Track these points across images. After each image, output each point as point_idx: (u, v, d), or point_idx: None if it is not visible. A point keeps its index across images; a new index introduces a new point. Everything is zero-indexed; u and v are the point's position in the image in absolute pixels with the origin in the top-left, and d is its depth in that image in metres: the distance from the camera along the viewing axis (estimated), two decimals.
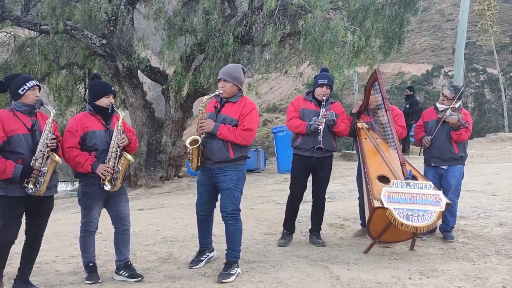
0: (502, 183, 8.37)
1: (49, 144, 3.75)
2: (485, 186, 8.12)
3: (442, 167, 5.24)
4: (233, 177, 4.25)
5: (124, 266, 4.23)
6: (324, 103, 5.02)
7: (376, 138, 5.32)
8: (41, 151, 3.73)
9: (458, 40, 13.63)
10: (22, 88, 3.77)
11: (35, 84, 3.84)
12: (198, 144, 4.19)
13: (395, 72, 47.41)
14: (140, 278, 4.14)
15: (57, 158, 3.79)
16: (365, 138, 5.35)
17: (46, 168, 3.73)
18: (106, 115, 4.14)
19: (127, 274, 4.17)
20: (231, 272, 4.17)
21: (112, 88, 4.23)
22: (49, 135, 3.77)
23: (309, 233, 5.37)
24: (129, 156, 4.08)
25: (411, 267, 4.36)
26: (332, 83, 5.22)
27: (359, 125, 5.50)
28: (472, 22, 31.22)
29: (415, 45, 52.77)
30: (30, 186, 3.68)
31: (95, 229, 4.21)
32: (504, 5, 49.40)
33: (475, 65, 37.04)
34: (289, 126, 5.20)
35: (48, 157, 3.76)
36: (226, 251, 4.31)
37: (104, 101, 4.11)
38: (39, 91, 3.90)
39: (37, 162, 3.71)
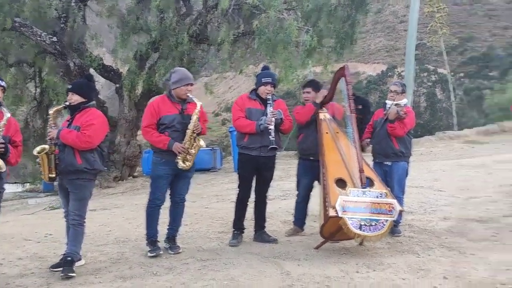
0: (448, 179, 8.71)
1: None
2: (432, 182, 8.43)
3: (386, 163, 5.41)
4: (193, 167, 4.82)
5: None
6: (270, 101, 5.03)
7: (337, 133, 5.20)
8: None
9: (408, 41, 14.11)
10: None
11: None
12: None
13: (351, 72, 48.19)
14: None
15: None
16: (326, 133, 5.19)
17: None
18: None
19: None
20: (178, 245, 4.92)
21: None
22: None
23: (254, 232, 5.34)
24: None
25: (359, 261, 4.48)
26: (276, 81, 5.27)
27: (321, 116, 5.32)
28: (424, 24, 32.19)
29: (370, 45, 53.90)
30: None
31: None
32: (453, 7, 51.14)
33: (426, 65, 38.13)
34: (236, 126, 5.14)
35: None
36: (170, 229, 4.92)
37: None
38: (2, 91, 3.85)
39: None
